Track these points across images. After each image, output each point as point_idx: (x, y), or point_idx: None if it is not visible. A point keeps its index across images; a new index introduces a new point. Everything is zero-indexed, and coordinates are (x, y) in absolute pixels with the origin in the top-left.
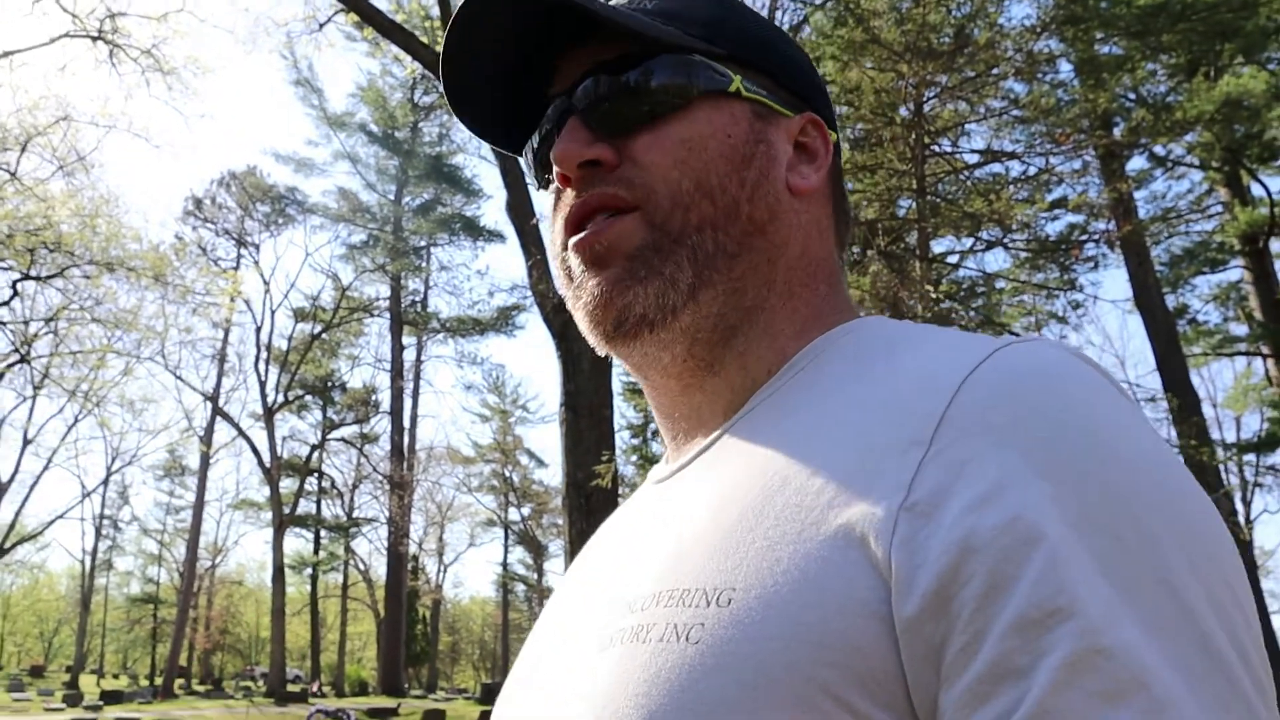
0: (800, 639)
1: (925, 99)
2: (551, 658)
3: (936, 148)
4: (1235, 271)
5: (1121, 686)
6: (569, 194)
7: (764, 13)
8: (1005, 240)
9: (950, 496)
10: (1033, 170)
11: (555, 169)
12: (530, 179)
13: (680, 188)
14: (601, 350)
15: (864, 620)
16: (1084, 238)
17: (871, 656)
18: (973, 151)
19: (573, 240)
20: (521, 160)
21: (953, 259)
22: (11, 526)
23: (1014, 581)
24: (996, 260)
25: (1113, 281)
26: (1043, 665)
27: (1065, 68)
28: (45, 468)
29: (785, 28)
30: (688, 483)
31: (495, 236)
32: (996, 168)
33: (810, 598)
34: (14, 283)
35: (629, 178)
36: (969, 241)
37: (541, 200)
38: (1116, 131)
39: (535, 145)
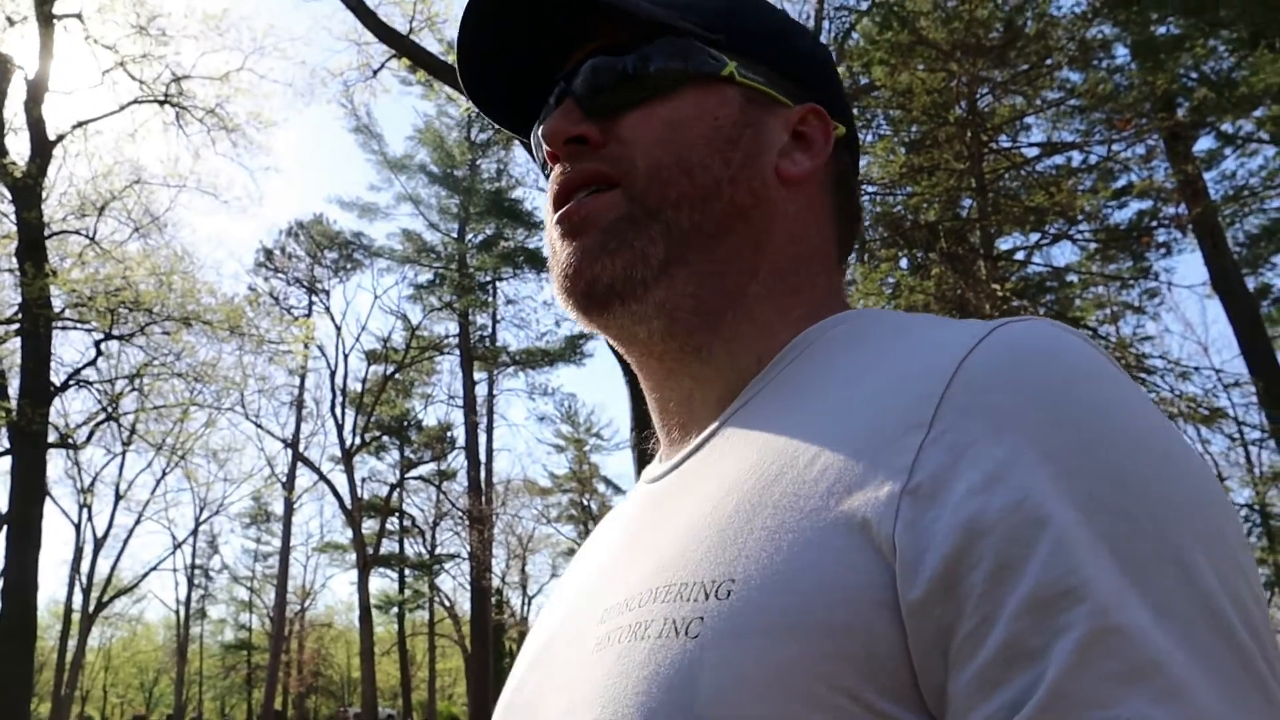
0: (802, 629)
1: (979, 96)
2: (548, 662)
3: (994, 145)
4: None
5: (1137, 667)
6: (556, 171)
7: (810, 22)
8: (1072, 232)
9: (953, 479)
10: (1095, 159)
11: (545, 146)
12: (537, 163)
13: (661, 164)
14: (580, 322)
15: (868, 608)
16: (1154, 224)
17: (876, 645)
18: (1032, 145)
19: (557, 214)
20: (531, 145)
21: (1019, 256)
22: (108, 580)
23: (1023, 563)
24: (1065, 254)
25: (1188, 267)
26: (1057, 647)
27: (1121, 52)
28: (137, 521)
29: (831, 35)
30: (683, 479)
31: None
32: (1058, 159)
33: (811, 586)
34: (97, 343)
35: (613, 155)
36: (1035, 237)
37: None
38: (1180, 112)
39: (536, 129)
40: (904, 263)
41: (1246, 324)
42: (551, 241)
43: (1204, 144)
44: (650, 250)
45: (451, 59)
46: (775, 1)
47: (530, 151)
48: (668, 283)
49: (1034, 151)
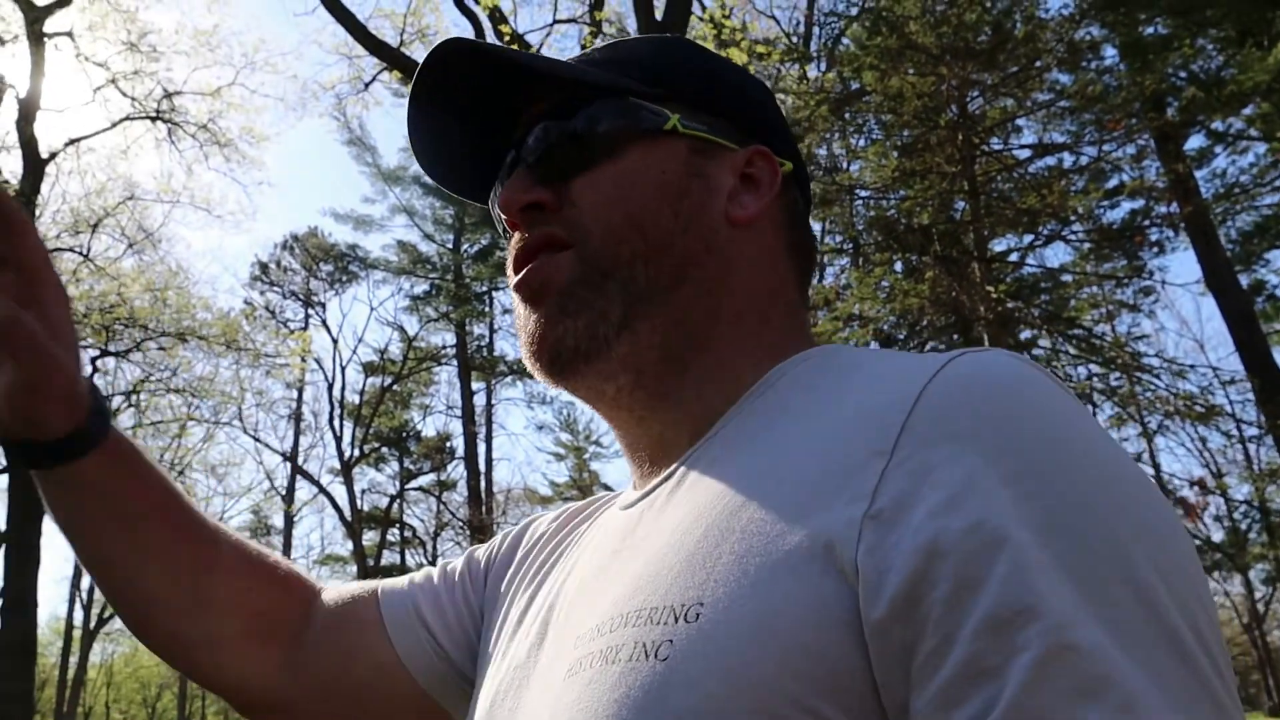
0: (769, 650)
1: (969, 99)
2: (519, 688)
3: (985, 147)
4: None
5: (1093, 684)
6: (516, 238)
7: (799, 29)
8: (1065, 233)
9: (914, 503)
10: (1086, 160)
11: (503, 216)
12: (500, 232)
13: (611, 224)
14: (549, 385)
15: (832, 629)
16: (1146, 222)
17: (840, 664)
18: (1023, 147)
19: (514, 279)
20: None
21: (1013, 258)
22: None
23: (981, 583)
24: (1059, 254)
25: (1182, 264)
26: (1014, 664)
27: (1110, 53)
28: None
29: (822, 42)
30: (654, 508)
31: None
32: (1049, 161)
33: (778, 608)
34: (93, 360)
35: (566, 218)
36: (1028, 238)
37: None
38: (1170, 111)
39: (492, 199)
40: (898, 266)
41: (1240, 321)
42: (515, 306)
43: (1194, 142)
44: (609, 309)
45: None
46: (765, 9)
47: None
48: (630, 338)
49: (1025, 153)
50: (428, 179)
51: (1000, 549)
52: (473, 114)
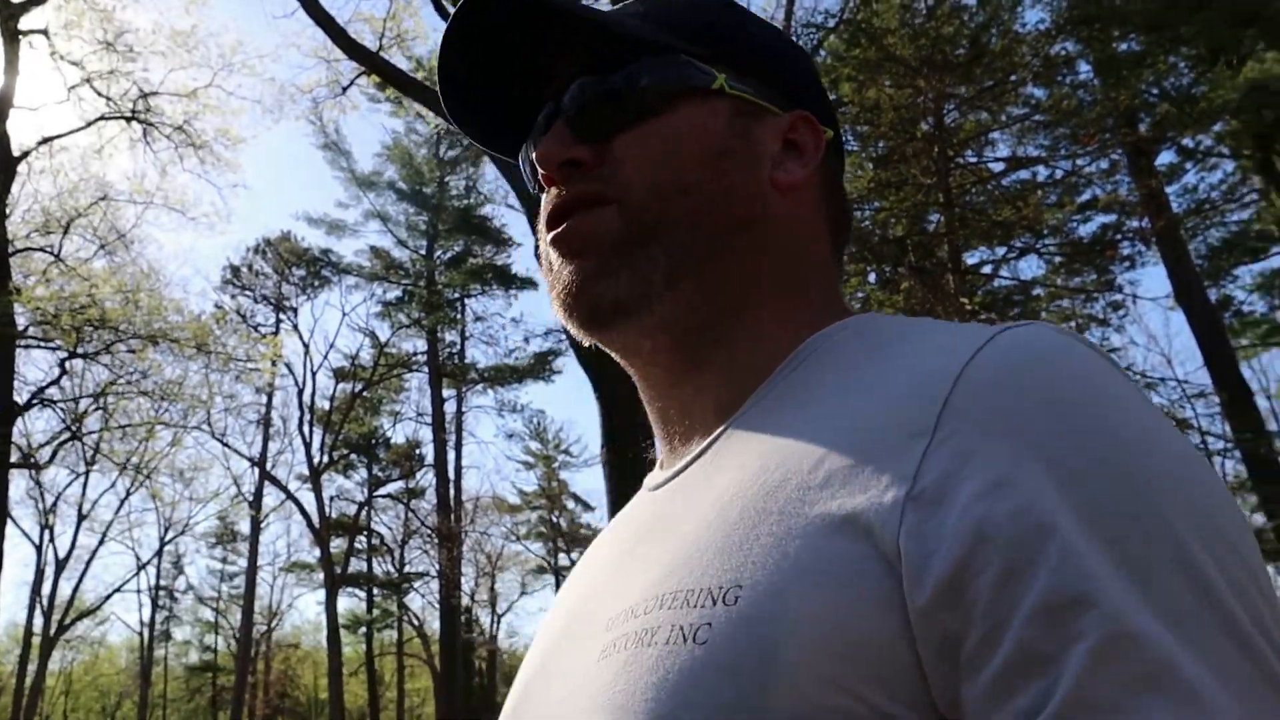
0: (812, 634)
1: (945, 111)
2: (550, 672)
3: (961, 160)
4: (1278, 259)
5: (1152, 672)
6: (552, 193)
7: None
8: (1038, 246)
9: (958, 485)
10: (1059, 173)
11: (539, 170)
12: (529, 185)
13: (656, 183)
14: (581, 337)
15: (876, 611)
16: (1118, 237)
17: (885, 648)
18: (998, 160)
19: (551, 234)
20: (520, 166)
21: (986, 269)
22: (70, 602)
23: (1031, 569)
24: (1031, 267)
25: (1152, 279)
26: (1071, 653)
27: (1084, 68)
28: (100, 542)
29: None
30: (686, 486)
31: (527, 284)
32: (1023, 174)
33: (820, 591)
34: (61, 361)
35: (607, 175)
36: (1002, 250)
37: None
38: (1142, 127)
39: (526, 151)
40: (873, 277)
41: (1209, 335)
42: (548, 260)
43: (1166, 158)
44: (653, 270)
45: (421, 75)
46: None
47: (498, 167)
48: (672, 299)
49: (1000, 166)
50: (402, 184)
51: (1048, 534)
52: (507, 59)
